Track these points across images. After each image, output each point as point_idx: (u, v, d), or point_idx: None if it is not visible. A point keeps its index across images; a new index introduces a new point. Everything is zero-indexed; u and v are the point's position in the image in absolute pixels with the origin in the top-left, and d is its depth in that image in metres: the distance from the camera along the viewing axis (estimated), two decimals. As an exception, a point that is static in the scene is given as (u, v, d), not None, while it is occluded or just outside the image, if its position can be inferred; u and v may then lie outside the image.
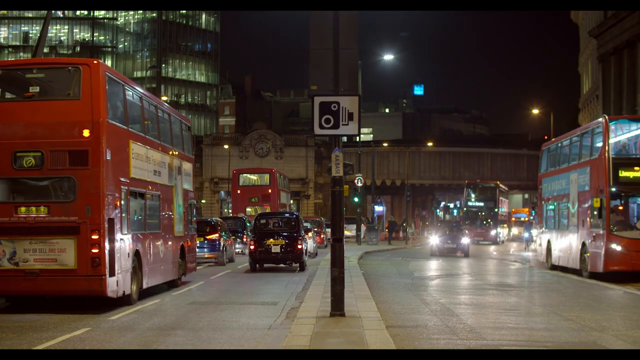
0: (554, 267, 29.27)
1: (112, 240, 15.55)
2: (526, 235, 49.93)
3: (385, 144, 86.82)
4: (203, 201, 79.12)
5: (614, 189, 23.67)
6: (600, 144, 24.34)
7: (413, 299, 18.52)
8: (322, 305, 15.16)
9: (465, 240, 38.94)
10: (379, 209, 71.50)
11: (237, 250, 35.42)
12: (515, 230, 73.93)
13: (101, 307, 15.86)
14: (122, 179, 16.34)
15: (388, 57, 57.88)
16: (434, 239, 39.79)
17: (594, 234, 24.65)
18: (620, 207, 24.02)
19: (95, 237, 15.17)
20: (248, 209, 49.13)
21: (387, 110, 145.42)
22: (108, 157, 15.51)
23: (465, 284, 23.90)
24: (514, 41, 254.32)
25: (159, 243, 19.17)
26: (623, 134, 24.68)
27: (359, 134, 14.22)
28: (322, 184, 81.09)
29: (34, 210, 15.40)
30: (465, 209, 64.50)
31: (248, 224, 37.74)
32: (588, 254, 25.13)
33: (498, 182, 66.59)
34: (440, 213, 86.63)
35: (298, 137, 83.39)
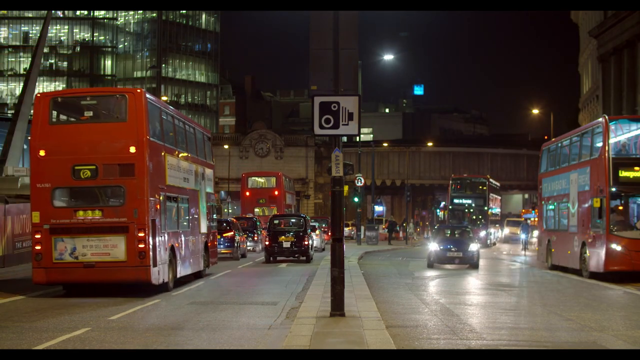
0: (554, 267, 29.27)
1: (154, 237, 18.52)
2: (523, 236, 47.52)
3: (385, 144, 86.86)
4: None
5: (614, 189, 23.67)
6: (600, 144, 24.34)
7: (413, 299, 18.52)
8: (322, 305, 15.16)
9: (474, 247, 29.37)
10: (379, 209, 71.48)
11: (248, 247, 38.39)
12: (507, 231, 66.93)
13: (143, 292, 18.72)
14: (160, 186, 19.40)
15: (388, 57, 57.83)
16: (432, 245, 29.95)
17: (594, 234, 24.65)
18: (620, 207, 24.02)
19: (141, 234, 18.12)
20: (256, 210, 52.48)
21: (387, 110, 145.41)
22: (150, 169, 18.50)
23: (465, 284, 23.89)
24: (514, 41, 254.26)
25: (188, 239, 22.16)
26: (623, 134, 24.68)
27: (359, 134, 14.22)
28: (322, 184, 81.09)
29: (90, 213, 18.37)
30: (450, 207, 56.13)
31: (258, 224, 41.90)
32: (588, 254, 25.12)
33: (488, 177, 59.31)
34: (440, 213, 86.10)
35: (298, 137, 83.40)
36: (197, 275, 23.34)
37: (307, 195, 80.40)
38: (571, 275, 26.30)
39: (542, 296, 20.24)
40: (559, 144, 30.31)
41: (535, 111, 79.71)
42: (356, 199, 54.06)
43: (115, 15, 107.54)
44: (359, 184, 52.85)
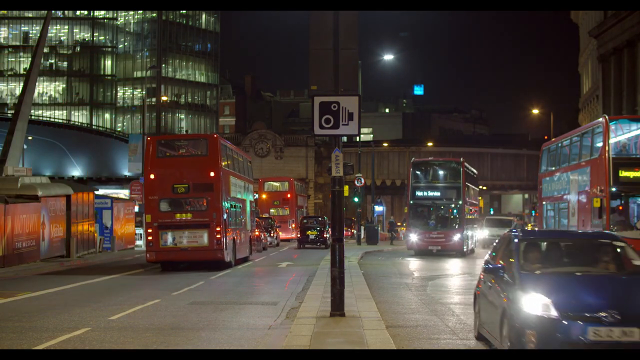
0: (554, 267, 29.20)
1: (225, 231, 27.29)
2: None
3: (385, 144, 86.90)
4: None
5: (614, 189, 23.66)
6: (600, 144, 24.34)
7: (413, 299, 18.53)
8: (322, 305, 15.16)
9: None
10: (379, 209, 71.37)
11: (268, 242, 46.14)
12: (486, 233, 51.01)
13: (214, 269, 27.15)
14: (227, 197, 28.37)
15: (388, 57, 57.78)
16: (531, 301, 9.67)
17: (594, 234, 24.60)
18: (620, 207, 24.02)
19: (218, 229, 26.91)
20: (271, 210, 59.52)
21: (387, 110, 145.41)
22: (222, 187, 27.47)
23: (466, 284, 23.86)
24: (514, 41, 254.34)
25: (241, 234, 31.30)
26: (623, 134, 24.68)
27: (359, 134, 14.21)
28: (322, 184, 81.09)
29: (184, 215, 27.14)
30: (412, 202, 40.72)
31: (273, 223, 50.32)
32: (588, 254, 25.07)
33: (462, 160, 41.95)
34: None
35: (298, 137, 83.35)
36: (244, 260, 32.22)
37: (307, 195, 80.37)
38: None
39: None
40: (559, 144, 30.32)
41: (535, 111, 79.74)
42: (356, 199, 54.02)
43: (115, 15, 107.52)
44: (359, 184, 52.83)
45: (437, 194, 40.72)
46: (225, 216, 27.40)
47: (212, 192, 26.99)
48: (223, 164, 27.84)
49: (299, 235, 47.74)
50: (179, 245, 26.80)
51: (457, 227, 39.69)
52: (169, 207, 27.17)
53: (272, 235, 48.58)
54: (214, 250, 26.81)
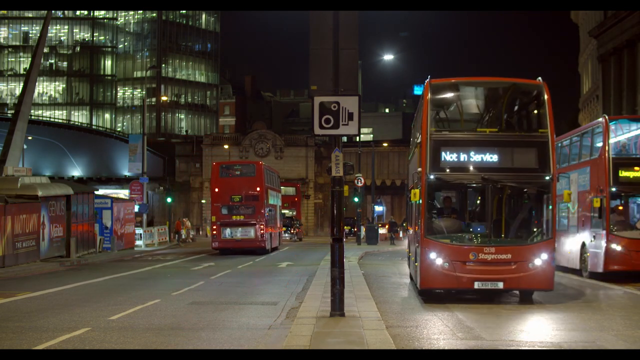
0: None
1: (265, 229, 39.14)
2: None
3: (385, 144, 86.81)
4: (203, 201, 79.11)
5: (614, 189, 23.66)
6: (600, 144, 24.33)
7: (413, 299, 18.51)
8: (322, 305, 15.16)
9: None
10: (379, 209, 71.37)
11: (286, 237, 57.16)
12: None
13: (257, 255, 37.31)
14: (267, 204, 39.80)
15: (388, 57, 57.81)
16: None
17: (594, 234, 24.64)
18: (620, 207, 24.03)
19: (261, 226, 38.99)
20: (283, 211, 69.31)
21: (387, 110, 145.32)
22: (264, 197, 39.36)
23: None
24: (514, 41, 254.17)
25: (273, 230, 42.66)
26: (623, 134, 24.67)
27: (359, 134, 14.19)
28: (322, 184, 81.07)
29: (238, 217, 39.09)
30: (431, 176, 17.12)
31: (294, 222, 63.16)
32: (588, 254, 25.12)
33: (541, 81, 17.86)
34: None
35: (298, 137, 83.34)
36: (275, 249, 43.27)
37: (307, 195, 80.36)
38: (571, 275, 26.28)
39: (541, 296, 20.21)
40: (559, 144, 30.25)
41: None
42: (356, 199, 54.03)
43: (115, 15, 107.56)
44: (359, 184, 52.82)
45: (493, 157, 17.66)
46: (265, 218, 39.13)
47: (257, 201, 39.19)
48: (265, 181, 39.63)
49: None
50: (234, 237, 39.03)
51: (543, 235, 17.70)
52: (228, 211, 39.24)
53: (291, 232, 61.43)
54: (258, 241, 38.94)
